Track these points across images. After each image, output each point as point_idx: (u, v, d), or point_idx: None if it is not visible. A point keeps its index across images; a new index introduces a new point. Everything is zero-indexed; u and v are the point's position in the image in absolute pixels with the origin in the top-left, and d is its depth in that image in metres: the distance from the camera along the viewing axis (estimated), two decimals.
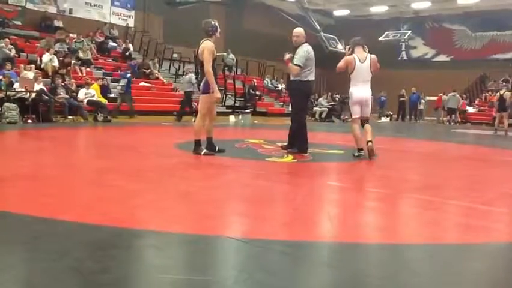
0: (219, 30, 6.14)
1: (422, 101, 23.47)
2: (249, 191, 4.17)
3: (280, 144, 7.11)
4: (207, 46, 5.88)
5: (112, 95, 14.23)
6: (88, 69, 15.70)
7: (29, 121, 10.75)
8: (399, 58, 29.22)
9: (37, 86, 11.39)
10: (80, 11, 19.40)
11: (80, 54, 16.01)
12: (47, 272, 2.11)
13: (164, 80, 18.33)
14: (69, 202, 3.45)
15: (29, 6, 17.70)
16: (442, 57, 28.13)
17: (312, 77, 6.52)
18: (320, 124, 17.02)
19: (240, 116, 15.96)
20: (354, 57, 6.42)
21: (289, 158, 6.20)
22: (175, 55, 20.13)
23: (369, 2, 27.15)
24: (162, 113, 14.84)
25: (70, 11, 19.00)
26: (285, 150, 6.67)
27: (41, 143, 7.85)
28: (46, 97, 11.30)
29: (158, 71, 18.81)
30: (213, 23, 6.09)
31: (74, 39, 16.65)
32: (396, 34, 26.69)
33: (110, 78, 15.63)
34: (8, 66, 12.00)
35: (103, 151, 7.11)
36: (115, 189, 3.97)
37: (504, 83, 19.76)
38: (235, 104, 18.73)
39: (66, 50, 15.59)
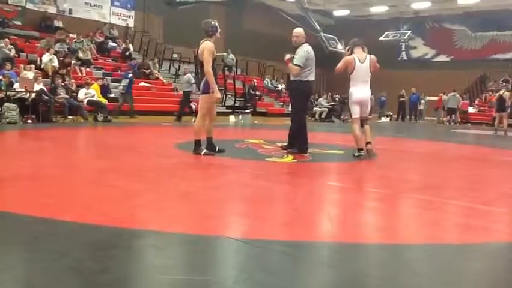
0: (219, 30, 6.15)
1: (422, 101, 23.49)
2: (249, 191, 4.17)
3: (280, 144, 7.11)
4: (206, 46, 5.89)
5: (112, 95, 14.23)
6: (87, 69, 15.70)
7: (29, 121, 10.75)
8: (399, 58, 29.23)
9: (37, 86, 11.39)
10: (80, 11, 19.41)
11: (80, 55, 16.01)
12: (47, 272, 2.11)
13: (164, 80, 18.33)
14: (69, 202, 3.45)
15: (29, 6, 17.70)
16: (442, 58, 28.13)
17: (312, 77, 6.53)
18: (319, 124, 17.02)
19: (240, 116, 15.96)
20: (354, 58, 6.43)
21: (289, 158, 6.20)
22: (175, 55, 20.13)
23: (369, 2, 27.15)
24: (162, 113, 14.84)
25: (70, 11, 19.00)
26: (285, 151, 6.67)
27: (41, 143, 7.85)
28: (46, 97, 11.30)
29: (158, 71, 18.82)
30: (213, 23, 6.09)
31: (74, 40, 16.66)
32: (396, 34, 26.69)
33: (110, 78, 15.63)
34: (8, 66, 11.99)
35: (103, 151, 7.11)
36: (115, 190, 3.97)
37: (504, 83, 19.75)
38: (235, 104, 18.73)
39: (66, 50, 15.59)
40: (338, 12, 28.76)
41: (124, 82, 14.14)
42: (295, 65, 6.32)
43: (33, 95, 11.07)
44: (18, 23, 17.01)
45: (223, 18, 19.42)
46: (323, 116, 19.50)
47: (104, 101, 12.97)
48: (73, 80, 13.54)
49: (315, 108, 19.62)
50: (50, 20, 17.76)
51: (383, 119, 22.92)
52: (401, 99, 22.95)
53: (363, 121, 6.61)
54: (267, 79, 23.30)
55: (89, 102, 12.61)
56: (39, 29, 17.18)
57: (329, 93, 21.99)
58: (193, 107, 13.35)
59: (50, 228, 2.76)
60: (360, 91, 6.48)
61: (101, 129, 10.92)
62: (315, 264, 2.43)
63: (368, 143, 6.48)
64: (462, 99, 22.17)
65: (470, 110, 22.91)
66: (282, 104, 21.79)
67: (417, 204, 3.91)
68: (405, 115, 23.28)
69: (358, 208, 3.75)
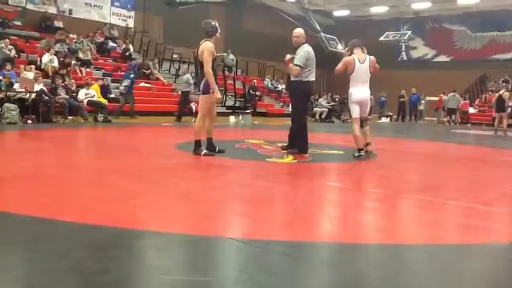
0: (219, 30, 6.15)
1: (422, 101, 23.50)
2: (249, 192, 4.17)
3: (280, 144, 7.11)
4: (206, 47, 5.89)
5: (112, 96, 14.24)
6: (88, 69, 15.71)
7: (29, 121, 10.75)
8: (399, 59, 29.24)
9: (37, 87, 11.39)
10: (80, 12, 19.41)
11: (80, 55, 16.02)
12: (48, 272, 2.11)
13: (164, 81, 18.34)
14: (69, 203, 3.45)
15: (29, 6, 17.71)
16: (442, 58, 28.14)
17: (312, 78, 6.53)
18: (320, 125, 17.02)
19: (240, 117, 15.97)
20: (353, 58, 6.44)
21: (290, 159, 6.20)
22: (175, 55, 20.13)
23: (369, 3, 27.15)
24: (162, 113, 14.85)
25: (70, 11, 19.01)
26: (285, 151, 6.67)
27: (41, 143, 7.85)
28: (46, 97, 11.31)
29: (158, 72, 18.82)
30: (213, 23, 6.09)
31: (74, 40, 16.67)
32: (396, 34, 26.69)
33: (110, 78, 15.64)
34: (8, 66, 12.00)
35: (103, 151, 7.11)
36: (116, 190, 3.97)
37: (504, 84, 19.76)
38: (235, 105, 18.74)
39: (66, 50, 15.60)
40: (338, 13, 28.76)
41: (126, 82, 14.18)
42: (296, 65, 6.33)
43: (34, 95, 11.07)
44: (18, 23, 17.01)
45: (223, 18, 19.42)
46: (323, 116, 19.51)
47: (104, 101, 12.98)
48: (73, 81, 13.55)
49: (315, 109, 19.63)
50: (50, 20, 17.77)
51: (383, 119, 22.93)
52: (401, 99, 22.96)
53: (363, 121, 6.61)
54: (267, 79, 23.31)
55: (89, 103, 12.62)
56: (39, 30, 17.19)
57: (329, 94, 22.00)
58: (193, 107, 13.37)
59: (50, 229, 2.76)
60: (359, 91, 6.49)
61: (101, 130, 10.92)
62: (316, 264, 2.43)
63: (367, 144, 6.52)
64: (463, 100, 22.18)
65: (471, 110, 22.91)
66: (282, 104, 21.79)
67: (417, 205, 3.91)
68: (405, 115, 23.29)
69: (358, 208, 3.75)
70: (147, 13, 21.52)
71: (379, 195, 4.25)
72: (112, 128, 11.06)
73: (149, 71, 17.88)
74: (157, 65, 19.33)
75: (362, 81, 6.50)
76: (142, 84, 16.62)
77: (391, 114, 23.73)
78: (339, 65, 6.57)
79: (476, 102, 23.99)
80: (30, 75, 12.13)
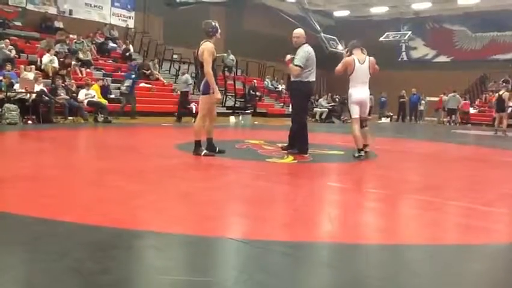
0: (219, 31, 6.15)
1: (423, 101, 23.51)
2: (249, 192, 4.17)
3: (280, 145, 7.11)
4: (206, 47, 5.89)
5: (112, 96, 14.25)
6: (88, 70, 15.71)
7: (29, 122, 10.75)
8: (400, 59, 29.24)
9: (37, 87, 11.39)
10: (81, 12, 19.42)
11: (80, 55, 16.02)
12: (47, 272, 2.11)
13: (165, 81, 18.34)
14: (69, 203, 3.45)
15: (30, 7, 17.72)
16: (442, 58, 28.14)
17: (312, 78, 6.53)
18: (320, 125, 17.02)
19: (240, 117, 15.97)
20: (353, 59, 6.45)
21: (290, 159, 6.20)
22: (175, 56, 20.14)
23: (370, 3, 27.15)
24: (162, 113, 14.85)
25: (70, 12, 19.02)
26: (285, 151, 6.67)
27: (41, 143, 7.86)
28: (46, 98, 11.31)
29: (159, 72, 18.82)
30: (213, 23, 6.10)
31: (75, 40, 16.67)
32: (397, 35, 26.71)
33: (110, 79, 15.65)
34: (8, 67, 12.01)
35: (103, 152, 7.11)
36: (116, 190, 3.97)
37: (504, 84, 19.77)
38: (236, 105, 18.74)
39: (66, 51, 15.60)
40: (338, 13, 28.76)
41: (128, 82, 14.22)
42: (296, 65, 6.33)
43: (34, 95, 11.08)
44: (18, 23, 17.02)
45: (223, 18, 19.41)
46: (323, 116, 19.51)
47: (104, 101, 12.99)
48: (73, 81, 13.56)
49: (315, 109, 19.63)
50: (50, 20, 17.77)
51: (383, 120, 22.93)
52: (401, 99, 22.97)
53: (362, 122, 6.62)
54: (267, 80, 23.31)
55: (90, 103, 12.62)
56: (39, 30, 17.20)
57: (329, 94, 22.00)
58: (194, 107, 13.38)
59: (50, 229, 2.76)
60: (359, 92, 6.50)
61: (101, 130, 10.92)
62: (316, 264, 2.43)
63: (365, 145, 6.55)
64: (464, 100, 22.18)
65: (471, 110, 22.91)
66: (282, 104, 21.79)
67: (417, 205, 3.91)
68: (405, 116, 23.31)
69: (358, 209, 3.75)
70: (147, 13, 21.52)
71: (379, 195, 4.25)
72: (112, 129, 11.06)
73: (149, 71, 17.88)
74: (157, 66, 19.33)
75: (361, 82, 6.50)
76: (142, 84, 16.63)
77: (391, 114, 23.73)
78: (339, 66, 6.58)
79: (476, 102, 24.00)
80: (30, 75, 12.13)
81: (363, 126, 6.63)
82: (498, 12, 24.48)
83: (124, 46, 18.89)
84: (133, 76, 14.53)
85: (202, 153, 6.00)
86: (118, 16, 20.78)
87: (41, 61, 14.03)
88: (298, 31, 6.69)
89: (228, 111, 17.37)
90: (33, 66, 13.20)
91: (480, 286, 2.25)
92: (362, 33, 21.90)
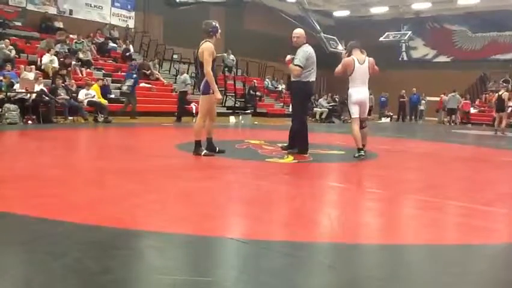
0: (219, 31, 6.15)
1: (423, 101, 23.51)
2: (249, 192, 4.17)
3: (280, 145, 7.11)
4: (206, 47, 5.89)
5: (112, 96, 14.26)
6: (88, 70, 15.71)
7: (29, 122, 10.75)
8: (400, 59, 29.22)
9: (37, 87, 11.40)
10: (81, 12, 19.44)
11: (81, 55, 16.02)
12: (47, 272, 2.11)
13: (165, 81, 18.33)
14: (69, 203, 3.45)
15: (30, 7, 17.73)
16: (442, 58, 28.12)
17: (312, 78, 6.53)
18: (320, 125, 17.02)
19: (241, 117, 15.97)
20: (353, 59, 6.45)
21: (290, 159, 6.19)
22: (175, 56, 20.14)
23: (370, 3, 27.14)
24: (162, 113, 14.86)
25: (70, 12, 19.03)
26: (286, 151, 6.67)
27: (41, 143, 7.85)
28: (46, 98, 11.31)
29: (159, 72, 18.83)
30: (213, 23, 6.10)
31: (75, 40, 16.67)
32: (397, 35, 26.65)
33: (110, 79, 15.65)
34: (8, 67, 12.01)
35: (103, 152, 7.12)
36: (116, 190, 3.97)
37: (504, 84, 19.76)
38: (236, 105, 18.74)
39: (66, 51, 15.60)
40: (338, 13, 28.76)
41: (129, 82, 14.25)
42: (296, 65, 6.33)
43: (34, 95, 11.08)
44: (18, 23, 17.04)
45: (223, 18, 19.41)
46: (323, 116, 19.50)
47: (104, 101, 12.99)
48: (73, 81, 13.55)
49: (315, 109, 19.62)
50: (50, 20, 17.78)
51: (383, 120, 22.93)
52: (401, 99, 22.98)
53: (362, 122, 6.63)
54: (267, 80, 23.31)
55: (90, 103, 12.62)
56: (39, 30, 17.21)
57: (329, 94, 21.99)
58: (194, 107, 13.39)
59: (50, 229, 2.76)
60: (359, 92, 6.50)
61: (101, 130, 10.92)
62: (316, 264, 2.43)
63: (362, 145, 6.56)
64: (464, 100, 22.18)
65: (471, 110, 22.91)
66: (282, 104, 21.78)
67: (417, 205, 3.91)
68: (405, 115, 23.31)
69: (359, 209, 3.75)
70: (147, 13, 21.52)
71: (379, 195, 4.25)
72: (112, 129, 11.06)
73: (149, 71, 17.89)
74: (157, 66, 19.33)
75: (361, 82, 6.51)
76: (142, 84, 16.63)
77: (391, 114, 23.73)
78: (339, 67, 6.59)
79: (477, 102, 24.00)
80: (30, 75, 12.13)
81: (363, 127, 6.63)
82: (498, 12, 24.47)
83: (124, 46, 18.89)
84: (134, 76, 14.56)
85: (202, 153, 6.00)
86: (118, 16, 20.79)
87: (41, 61, 14.04)
88: (298, 31, 6.69)
89: (228, 111, 17.37)
90: (33, 66, 13.20)
91: (480, 286, 2.25)
92: (362, 33, 21.86)
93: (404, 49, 29.20)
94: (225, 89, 18.18)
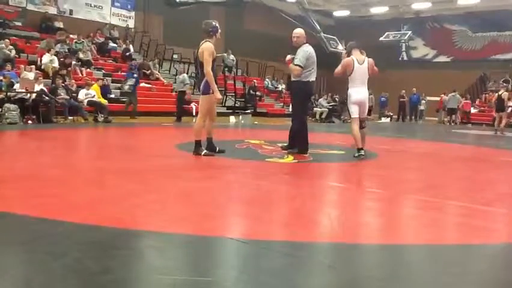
0: (219, 31, 6.15)
1: (423, 101, 23.51)
2: (249, 192, 4.17)
3: (280, 144, 7.11)
4: (206, 47, 5.89)
5: (112, 96, 14.27)
6: (88, 70, 15.71)
7: (29, 122, 10.75)
8: (400, 59, 29.21)
9: (37, 87, 11.40)
10: (81, 12, 19.43)
11: (81, 55, 16.02)
12: (47, 272, 2.11)
13: (165, 81, 18.34)
14: (69, 203, 3.45)
15: (30, 7, 17.73)
16: (442, 58, 28.11)
17: (312, 78, 6.53)
18: (320, 125, 17.02)
19: (241, 117, 15.97)
20: (352, 59, 6.46)
21: (290, 159, 6.20)
22: (175, 56, 20.14)
23: (370, 3, 27.14)
24: (162, 113, 14.86)
25: (71, 12, 19.02)
26: (286, 151, 6.67)
27: (41, 143, 7.85)
28: (46, 98, 11.31)
29: (159, 72, 18.83)
30: (213, 23, 6.10)
31: (75, 40, 16.67)
32: (397, 35, 26.64)
33: (110, 78, 15.65)
34: (8, 67, 12.01)
35: (103, 152, 7.12)
36: (115, 190, 3.97)
37: (504, 84, 19.77)
38: (236, 105, 18.73)
39: (66, 50, 15.60)
40: (338, 13, 28.75)
41: (131, 81, 14.27)
42: (296, 65, 6.33)
43: (34, 95, 11.08)
44: (18, 23, 17.04)
45: (223, 18, 19.40)
46: (323, 116, 19.50)
47: (104, 101, 12.99)
48: (73, 81, 13.55)
49: (315, 109, 19.61)
50: (50, 20, 17.78)
51: (383, 119, 22.93)
52: (401, 99, 22.98)
53: (361, 123, 6.64)
54: (267, 79, 23.31)
55: (90, 103, 12.63)
56: (39, 30, 17.21)
57: (329, 94, 21.99)
58: (194, 107, 13.39)
59: (50, 229, 2.76)
60: (358, 92, 6.52)
61: (101, 130, 10.92)
62: (316, 264, 2.43)
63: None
64: (465, 100, 22.18)
65: (471, 110, 22.92)
66: (282, 104, 21.78)
67: (417, 205, 3.91)
68: (405, 115, 23.32)
69: (358, 208, 3.75)
70: (147, 13, 21.52)
71: (379, 195, 4.25)
72: (112, 129, 11.06)
73: (149, 71, 17.89)
74: (157, 65, 19.33)
75: (360, 82, 6.52)
76: (142, 84, 16.63)
77: (391, 114, 23.73)
78: (338, 68, 6.61)
79: (477, 102, 24.01)
80: (30, 75, 12.14)
81: (362, 127, 6.65)
82: (498, 12, 24.46)
83: (124, 46, 18.89)
84: (136, 75, 14.59)
85: (203, 153, 6.01)
86: (118, 16, 20.78)
87: (41, 61, 14.04)
88: (298, 31, 6.69)
89: (228, 111, 17.37)
90: (33, 66, 13.20)
91: (480, 286, 2.25)
92: (362, 33, 21.88)
93: (404, 49, 29.20)
94: (225, 89, 18.18)
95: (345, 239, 2.84)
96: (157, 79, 18.00)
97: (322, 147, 7.48)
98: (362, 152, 6.45)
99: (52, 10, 18.37)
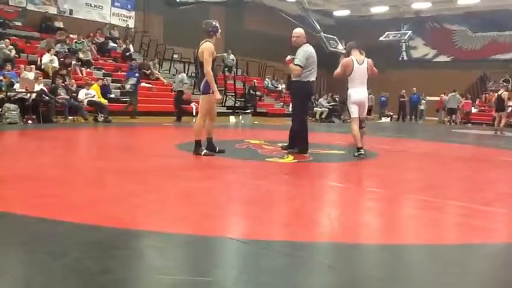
0: (219, 30, 6.15)
1: (423, 101, 23.50)
2: (249, 192, 4.17)
3: (280, 144, 7.11)
4: (206, 47, 5.89)
5: (112, 96, 14.27)
6: (88, 69, 15.71)
7: (29, 122, 10.76)
8: (400, 58, 29.21)
9: (37, 87, 11.40)
10: (81, 12, 19.43)
11: (81, 55, 16.02)
12: (47, 272, 2.11)
13: (165, 81, 18.33)
14: (69, 203, 3.45)
15: (30, 7, 17.73)
16: (443, 58, 28.11)
17: (312, 78, 6.53)
18: (320, 124, 17.02)
19: (241, 117, 15.97)
20: (352, 59, 6.47)
21: (290, 159, 6.19)
22: (175, 56, 20.14)
23: (370, 2, 27.13)
24: (162, 113, 14.86)
25: (71, 11, 19.03)
26: (286, 151, 6.67)
27: (41, 143, 7.85)
28: (46, 98, 11.31)
29: (159, 72, 18.83)
30: (214, 23, 6.09)
31: (75, 40, 16.67)
32: (397, 34, 26.63)
33: (110, 78, 15.65)
34: (8, 67, 12.01)
35: (104, 152, 7.12)
36: (115, 190, 3.97)
37: (504, 83, 19.77)
38: (236, 105, 18.73)
39: (66, 50, 15.60)
40: (339, 13, 28.75)
41: (132, 81, 14.27)
42: (296, 65, 6.33)
43: (34, 95, 11.08)
44: (18, 23, 17.04)
45: (223, 18, 19.40)
46: (324, 116, 19.50)
47: (104, 101, 12.99)
48: (73, 81, 13.55)
49: (315, 109, 19.61)
50: (50, 20, 17.78)
51: (384, 119, 22.93)
52: (402, 99, 22.98)
53: (361, 123, 6.66)
54: (267, 79, 23.31)
55: (90, 103, 12.63)
56: (39, 30, 17.21)
57: (330, 94, 21.99)
58: (194, 107, 13.39)
59: (50, 229, 2.76)
60: (358, 92, 6.53)
61: (101, 130, 10.92)
62: (316, 264, 2.43)
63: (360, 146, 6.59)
64: (466, 99, 22.18)
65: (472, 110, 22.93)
66: (282, 104, 21.78)
67: (417, 205, 3.91)
68: (405, 115, 23.32)
69: (359, 208, 3.75)
70: (147, 13, 21.51)
71: (379, 195, 4.25)
72: (112, 128, 11.06)
73: (149, 71, 17.89)
74: (157, 65, 19.33)
75: (360, 82, 6.53)
76: (142, 84, 16.61)
77: (391, 114, 23.73)
78: (338, 69, 6.64)
79: (477, 102, 24.01)
80: (30, 75, 12.13)
81: (361, 127, 6.67)
82: (498, 12, 24.46)
83: (124, 46, 18.89)
84: (137, 74, 14.62)
85: (203, 153, 6.01)
86: (118, 16, 20.78)
87: (41, 61, 14.03)
88: (298, 30, 6.69)
89: (228, 110, 17.36)
90: (33, 66, 13.20)
91: (480, 286, 2.25)
92: (362, 32, 21.87)
93: (404, 49, 29.19)
94: (225, 88, 18.18)
95: (345, 239, 2.84)
96: (157, 79, 18.00)
97: (322, 147, 7.48)
98: (362, 151, 6.45)
99: (52, 10, 18.37)
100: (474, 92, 25.10)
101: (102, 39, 18.58)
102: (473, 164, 7.25)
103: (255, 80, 21.04)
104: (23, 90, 11.13)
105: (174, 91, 15.73)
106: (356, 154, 6.46)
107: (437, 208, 3.71)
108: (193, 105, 13.98)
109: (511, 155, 8.89)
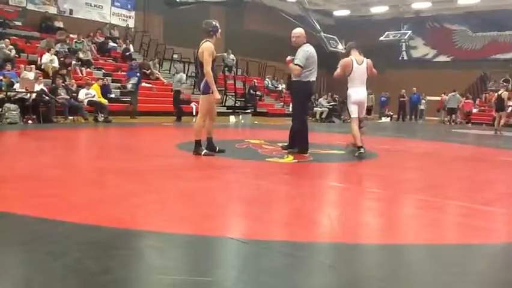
0: (219, 30, 6.15)
1: (423, 101, 23.51)
2: (249, 192, 4.17)
3: (280, 144, 7.11)
4: (206, 47, 5.89)
5: (112, 95, 14.27)
6: (88, 69, 15.71)
7: (30, 122, 10.76)
8: (400, 58, 29.21)
9: (37, 87, 11.40)
10: (81, 12, 19.44)
11: (81, 55, 16.02)
12: (47, 272, 2.11)
13: (165, 81, 18.33)
14: (69, 203, 3.45)
15: (30, 7, 17.73)
16: (443, 58, 28.11)
17: (313, 78, 6.53)
18: (320, 124, 17.02)
19: (241, 116, 15.97)
20: (351, 59, 6.49)
21: (290, 159, 6.19)
22: (175, 55, 20.14)
23: (370, 3, 27.15)
24: (162, 113, 14.86)
25: (71, 11, 19.03)
26: (286, 151, 6.67)
27: (41, 143, 7.85)
28: (46, 98, 11.31)
29: (159, 72, 18.83)
30: (214, 23, 6.09)
31: (75, 40, 16.67)
32: (397, 34, 26.63)
33: (110, 78, 15.65)
34: (9, 66, 12.01)
35: (104, 152, 7.12)
36: (115, 190, 3.97)
37: (504, 83, 19.77)
38: (236, 104, 18.73)
39: (66, 50, 15.60)
40: (339, 12, 28.77)
41: (133, 80, 14.28)
42: (296, 65, 6.33)
43: (34, 95, 11.08)
44: (18, 23, 17.04)
45: (223, 18, 19.40)
46: (324, 116, 19.50)
47: (104, 101, 12.99)
48: (73, 81, 13.55)
49: (315, 109, 19.61)
50: (50, 20, 17.78)
51: (384, 119, 22.93)
52: (402, 99, 22.99)
53: (360, 122, 6.67)
54: (267, 79, 23.31)
55: (90, 103, 12.63)
56: (39, 30, 17.21)
57: (330, 94, 21.99)
58: (194, 107, 13.40)
59: (50, 229, 2.76)
60: (358, 92, 6.55)
61: (101, 130, 10.92)
62: (316, 264, 2.43)
63: (359, 146, 6.59)
64: (466, 99, 22.18)
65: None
66: (282, 104, 21.78)
67: (417, 205, 3.91)
68: (405, 115, 23.32)
69: (359, 208, 3.75)
70: (147, 13, 21.51)
71: (380, 195, 4.25)
72: (113, 128, 11.06)
73: (149, 71, 17.89)
74: (157, 65, 19.33)
75: (360, 82, 6.55)
76: (142, 84, 16.63)
77: (391, 113, 23.73)
78: (338, 70, 6.65)
79: (477, 102, 24.01)
80: (30, 75, 12.13)
81: (361, 127, 6.69)
82: (498, 12, 24.46)
83: (124, 46, 18.89)
84: (138, 74, 14.63)
85: (203, 153, 6.01)
86: (118, 16, 20.79)
87: (41, 61, 14.03)
88: (298, 30, 6.69)
89: (228, 110, 17.36)
90: (33, 66, 13.19)
91: (480, 286, 2.25)
92: (362, 32, 21.89)
93: (404, 48, 29.20)
94: (225, 88, 18.18)
95: (345, 239, 2.84)
96: (157, 79, 18.00)
97: (322, 147, 7.48)
98: (362, 150, 6.46)
99: (52, 10, 18.37)
100: (474, 91, 25.10)
101: (102, 39, 18.58)
102: (473, 164, 7.25)
103: (255, 80, 21.04)
104: (23, 90, 11.13)
105: (172, 91, 15.75)
106: (356, 154, 6.46)
107: (437, 208, 3.71)
108: (193, 105, 13.98)
109: (511, 155, 8.89)
